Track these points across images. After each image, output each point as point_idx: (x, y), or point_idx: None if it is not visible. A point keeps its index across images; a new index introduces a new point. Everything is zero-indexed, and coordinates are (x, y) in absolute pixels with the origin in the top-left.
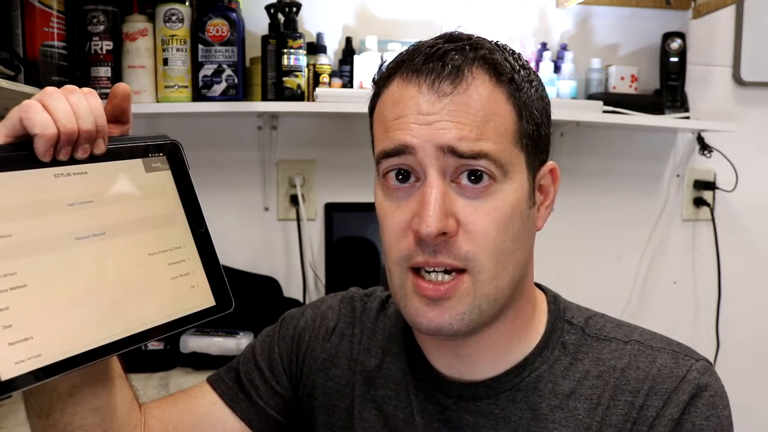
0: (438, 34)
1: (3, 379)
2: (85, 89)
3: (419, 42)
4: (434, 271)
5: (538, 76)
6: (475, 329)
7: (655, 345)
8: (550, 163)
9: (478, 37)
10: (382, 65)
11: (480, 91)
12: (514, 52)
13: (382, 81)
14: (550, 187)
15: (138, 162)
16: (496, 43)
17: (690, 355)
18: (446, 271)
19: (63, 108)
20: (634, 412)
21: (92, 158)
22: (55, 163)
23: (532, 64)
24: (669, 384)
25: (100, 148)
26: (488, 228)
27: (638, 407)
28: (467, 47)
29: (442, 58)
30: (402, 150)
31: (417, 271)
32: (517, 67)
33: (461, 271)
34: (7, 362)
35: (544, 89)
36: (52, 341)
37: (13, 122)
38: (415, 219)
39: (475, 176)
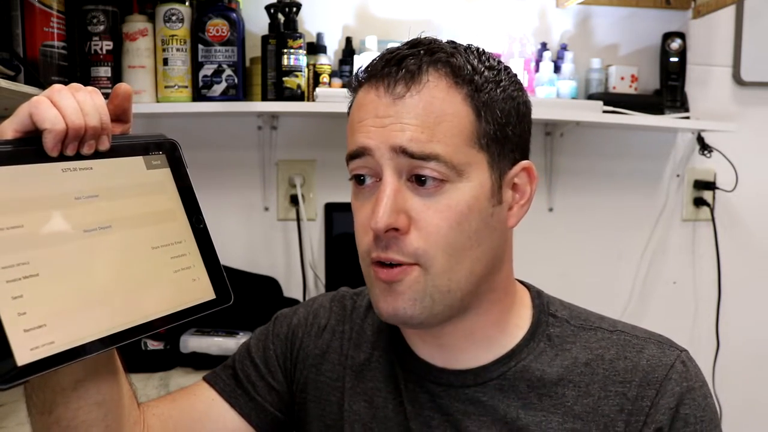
0: (405, 41)
1: (19, 364)
2: (89, 88)
3: (386, 49)
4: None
5: (511, 77)
6: (434, 317)
7: (639, 335)
8: (523, 162)
9: (438, 41)
10: (356, 72)
11: (433, 93)
12: (482, 55)
13: (354, 88)
14: (527, 186)
15: (139, 159)
16: (464, 47)
17: (674, 346)
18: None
19: (71, 104)
20: (628, 404)
21: (96, 154)
22: (61, 158)
23: (532, 65)
24: (659, 373)
25: (105, 144)
26: (440, 225)
27: (632, 399)
28: (422, 51)
29: (399, 63)
30: (362, 152)
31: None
32: (481, 69)
33: (409, 264)
34: (23, 348)
35: (516, 90)
36: (64, 329)
37: (23, 117)
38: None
39: (422, 178)
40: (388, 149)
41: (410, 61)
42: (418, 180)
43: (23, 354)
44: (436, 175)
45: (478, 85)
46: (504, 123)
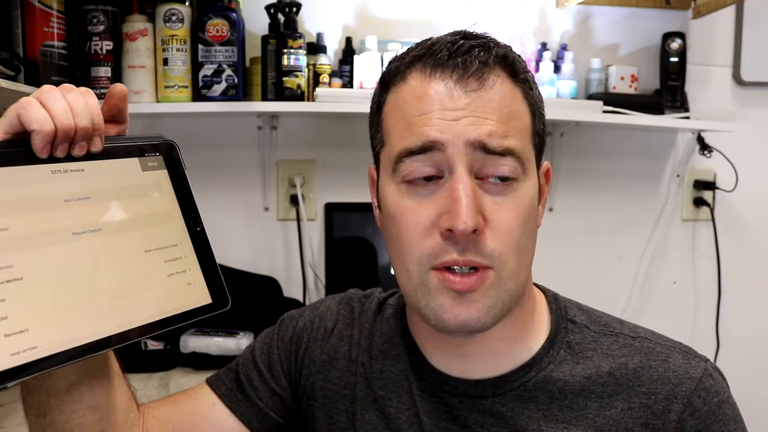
0: (451, 31)
1: None
2: (82, 88)
3: (432, 38)
4: (461, 270)
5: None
6: (496, 323)
7: (662, 342)
8: (546, 163)
9: (489, 34)
10: (392, 61)
11: (504, 87)
12: (521, 57)
13: (397, 75)
14: (545, 186)
15: (134, 161)
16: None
17: (698, 356)
18: (472, 268)
19: (60, 105)
20: (653, 418)
21: (89, 156)
22: (52, 159)
23: (532, 64)
24: (687, 386)
25: (97, 146)
26: (512, 225)
27: (657, 413)
28: (491, 44)
29: (468, 53)
30: (430, 146)
31: (441, 268)
32: (526, 68)
33: (486, 268)
34: (3, 353)
35: (541, 94)
36: (48, 334)
37: (11, 119)
38: (444, 216)
39: (501, 178)
40: (464, 144)
41: (479, 53)
42: (497, 176)
43: (3, 359)
44: (514, 174)
45: (530, 83)
46: (544, 123)
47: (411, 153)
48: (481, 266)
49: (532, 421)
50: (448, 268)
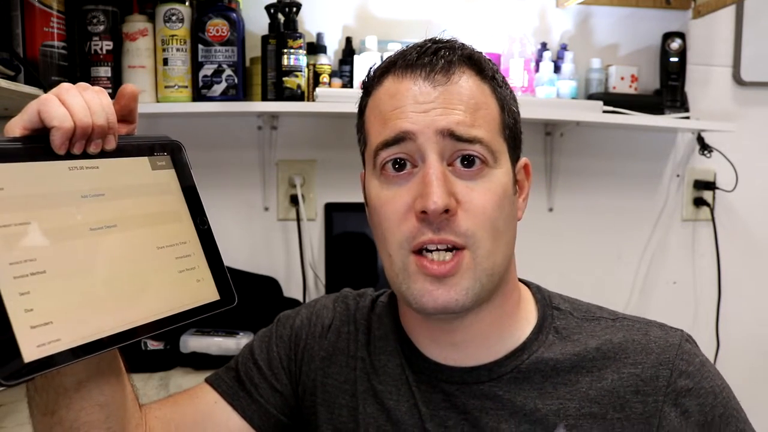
0: (423, 39)
1: (26, 361)
2: (96, 87)
3: (405, 46)
4: (437, 249)
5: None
6: (476, 304)
7: (640, 320)
8: (523, 159)
9: (458, 40)
10: (371, 69)
11: (469, 83)
12: (489, 59)
13: (374, 80)
14: (524, 181)
15: (144, 160)
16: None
17: (672, 327)
18: (447, 249)
19: (79, 103)
20: (643, 385)
21: (102, 154)
22: (68, 156)
23: (532, 65)
24: (670, 353)
25: (111, 143)
26: (485, 206)
27: (646, 380)
28: (456, 46)
29: (435, 54)
30: (402, 137)
31: (419, 252)
32: (495, 68)
33: (461, 248)
34: (30, 345)
35: (514, 93)
36: (70, 327)
37: (31, 115)
38: (418, 200)
39: (468, 160)
40: (434, 133)
41: (445, 53)
42: (464, 162)
43: (30, 351)
44: (482, 157)
45: (498, 81)
46: (515, 120)
47: (386, 144)
48: (457, 245)
49: (529, 400)
50: (425, 251)
